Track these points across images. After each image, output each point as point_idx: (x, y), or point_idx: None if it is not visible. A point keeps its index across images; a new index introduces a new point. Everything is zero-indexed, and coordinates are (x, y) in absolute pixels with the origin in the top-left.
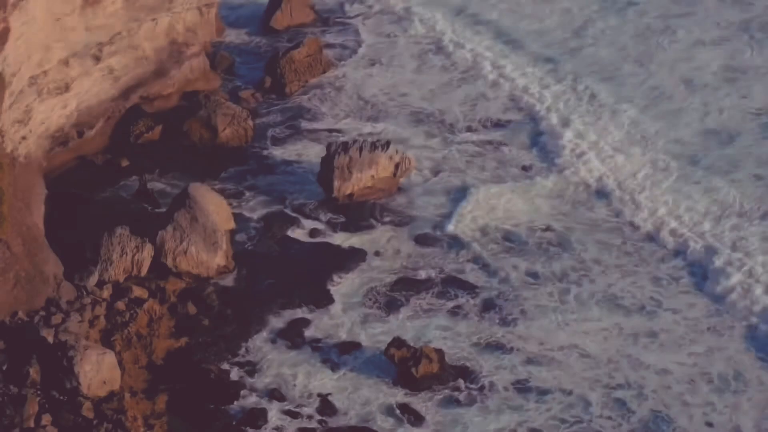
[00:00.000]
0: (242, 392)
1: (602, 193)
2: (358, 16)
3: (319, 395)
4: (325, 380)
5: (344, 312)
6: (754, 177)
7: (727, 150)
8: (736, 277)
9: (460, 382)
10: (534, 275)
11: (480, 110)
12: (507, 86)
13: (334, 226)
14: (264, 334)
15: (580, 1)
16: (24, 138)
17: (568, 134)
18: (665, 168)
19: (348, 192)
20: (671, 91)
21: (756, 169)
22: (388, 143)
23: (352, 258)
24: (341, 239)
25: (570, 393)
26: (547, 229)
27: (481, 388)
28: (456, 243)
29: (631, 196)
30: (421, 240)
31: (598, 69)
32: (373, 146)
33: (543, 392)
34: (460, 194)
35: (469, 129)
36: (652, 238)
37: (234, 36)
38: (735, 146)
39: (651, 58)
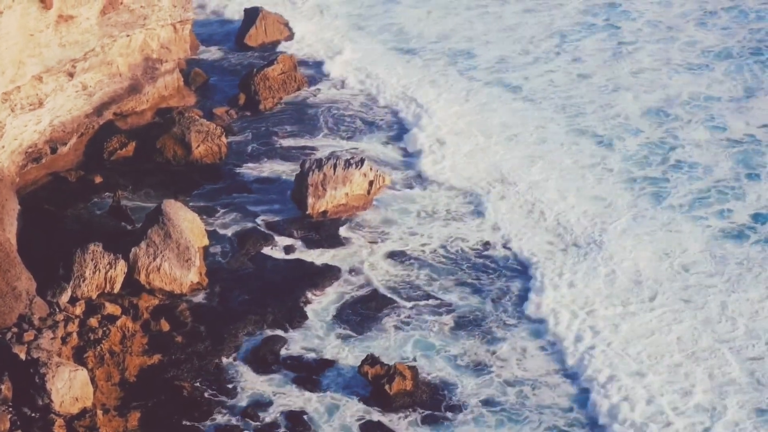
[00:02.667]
0: (215, 410)
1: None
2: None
3: (293, 413)
4: (299, 398)
5: (318, 329)
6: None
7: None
8: None
9: (439, 399)
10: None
11: None
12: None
13: (308, 243)
14: (238, 351)
15: (557, 26)
16: None
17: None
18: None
19: (322, 209)
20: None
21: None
22: (362, 160)
23: (326, 275)
24: (315, 256)
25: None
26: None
27: (461, 406)
28: (431, 260)
29: None
30: (395, 257)
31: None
32: (347, 163)
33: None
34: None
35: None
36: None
37: (208, 53)
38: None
39: (619, 85)
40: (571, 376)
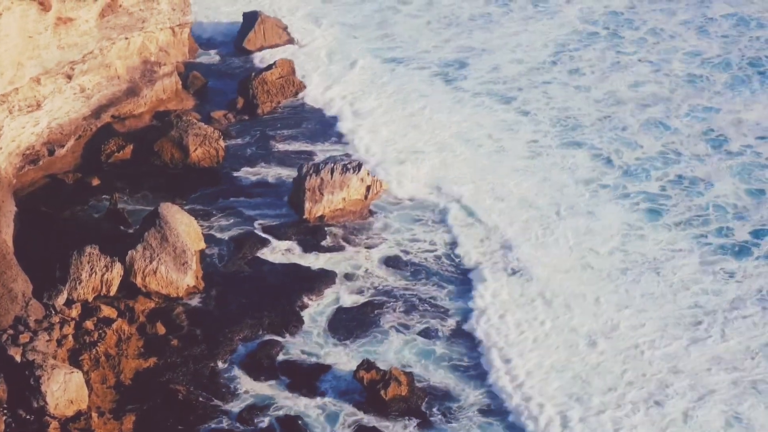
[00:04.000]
0: (211, 414)
1: None
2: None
3: (288, 418)
4: (294, 403)
5: (314, 334)
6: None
7: None
8: None
9: (434, 405)
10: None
11: None
12: None
13: (305, 248)
14: (233, 355)
15: (556, 35)
16: None
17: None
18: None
19: (319, 214)
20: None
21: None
22: (359, 165)
23: (322, 280)
24: (312, 260)
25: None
26: None
27: (457, 413)
28: (425, 266)
29: None
30: (391, 262)
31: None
32: (345, 168)
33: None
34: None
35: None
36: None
37: (207, 56)
38: None
39: (618, 98)
40: None
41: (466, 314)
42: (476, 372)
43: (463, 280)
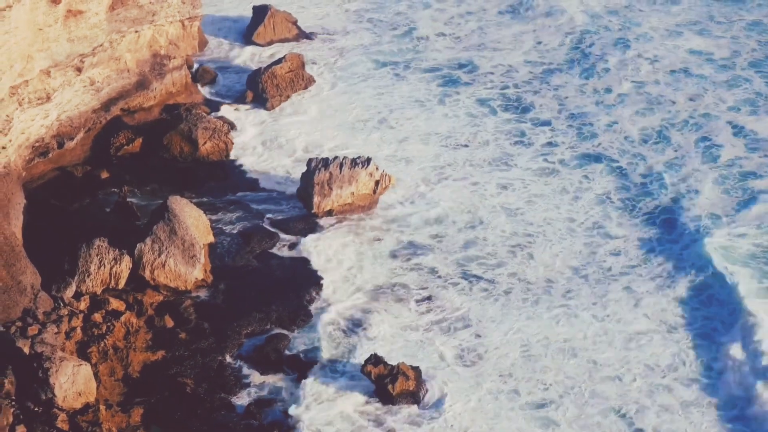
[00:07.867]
0: (218, 407)
1: None
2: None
3: (295, 412)
4: (301, 397)
5: (322, 328)
6: None
7: None
8: None
9: (442, 400)
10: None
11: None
12: None
13: (313, 242)
14: (241, 349)
15: (572, 34)
16: (4, 148)
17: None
18: None
19: (328, 208)
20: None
21: None
22: (368, 160)
23: (330, 273)
24: (320, 255)
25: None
26: None
27: (466, 407)
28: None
29: None
30: (401, 256)
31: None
32: (354, 163)
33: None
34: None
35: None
36: None
37: (216, 50)
38: None
39: (626, 101)
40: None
41: (473, 308)
42: (487, 365)
43: (471, 275)
